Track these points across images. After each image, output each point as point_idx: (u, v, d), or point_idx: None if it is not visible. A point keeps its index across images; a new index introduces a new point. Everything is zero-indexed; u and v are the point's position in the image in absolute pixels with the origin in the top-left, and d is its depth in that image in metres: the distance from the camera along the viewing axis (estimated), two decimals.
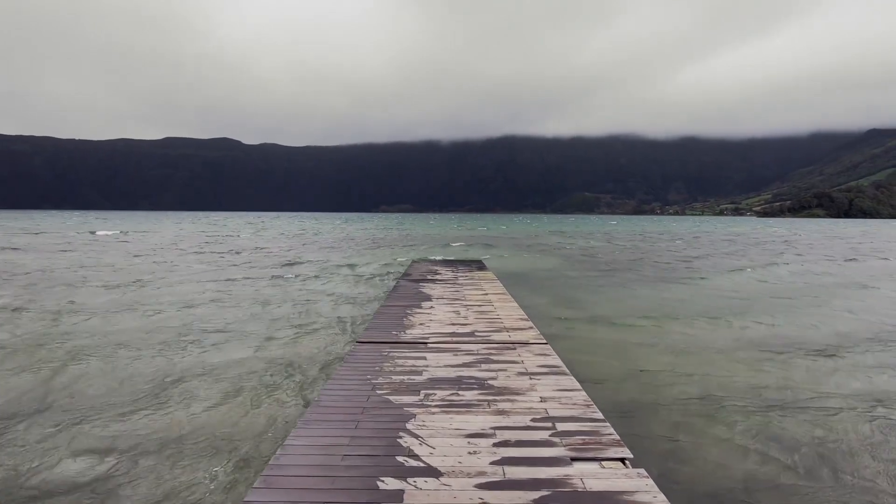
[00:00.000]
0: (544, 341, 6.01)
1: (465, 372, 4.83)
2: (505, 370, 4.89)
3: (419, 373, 4.80)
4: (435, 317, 7.45)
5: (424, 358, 5.29)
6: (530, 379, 4.62)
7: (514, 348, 5.69)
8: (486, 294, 9.57)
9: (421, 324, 6.97)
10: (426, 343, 5.92)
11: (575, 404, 4.01)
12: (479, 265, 15.51)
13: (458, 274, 12.86)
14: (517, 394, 4.24)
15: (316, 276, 16.87)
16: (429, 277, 12.07)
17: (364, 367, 4.94)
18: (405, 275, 12.78)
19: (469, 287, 10.52)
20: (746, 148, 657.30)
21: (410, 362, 5.13)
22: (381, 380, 4.59)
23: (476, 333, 6.39)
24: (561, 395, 4.21)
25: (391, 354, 5.42)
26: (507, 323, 7.02)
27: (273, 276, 16.77)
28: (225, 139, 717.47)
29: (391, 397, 4.16)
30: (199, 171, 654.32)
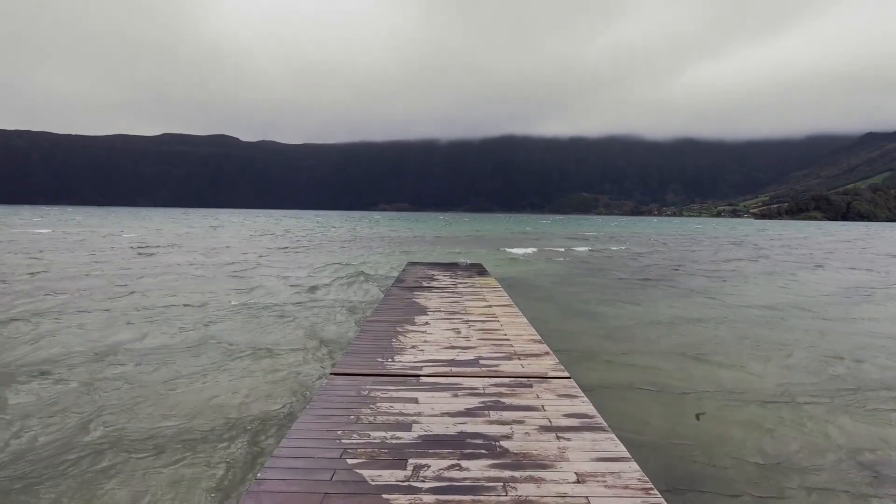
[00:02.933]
0: (566, 374, 4.80)
1: (469, 425, 3.62)
2: (522, 422, 3.68)
3: (407, 426, 3.59)
4: (430, 336, 6.24)
5: (416, 400, 4.08)
6: (558, 438, 3.41)
7: (530, 385, 4.49)
8: (490, 306, 8.36)
9: (413, 346, 5.76)
10: (418, 376, 4.70)
11: (628, 487, 2.81)
12: (480, 269, 14.31)
13: (458, 280, 11.65)
14: (542, 466, 3.04)
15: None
16: (424, 284, 10.85)
17: (335, 418, 3.73)
18: (398, 280, 11.56)
19: (470, 297, 9.32)
20: (743, 150, 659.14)
21: (397, 408, 3.92)
22: (354, 438, 3.37)
23: (481, 361, 5.18)
24: (604, 469, 3.01)
25: (373, 394, 4.21)
26: (517, 346, 5.82)
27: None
28: (223, 136, 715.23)
29: (366, 471, 2.95)
30: (196, 169, 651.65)
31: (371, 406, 3.95)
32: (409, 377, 4.67)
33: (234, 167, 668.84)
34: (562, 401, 4.11)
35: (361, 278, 16.26)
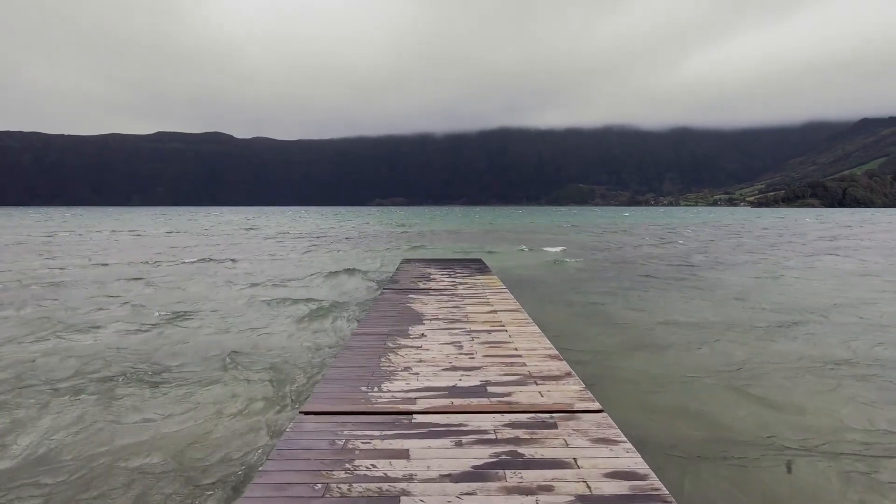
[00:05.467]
0: (598, 406, 3.80)
1: (479, 496, 2.63)
2: (550, 489, 2.69)
3: (394, 500, 2.60)
4: (427, 354, 5.24)
5: (406, 454, 3.08)
6: None
7: (555, 424, 3.50)
8: (495, 311, 7.36)
9: (406, 368, 4.76)
10: (411, 413, 3.71)
11: None
12: (480, 266, 13.32)
13: (457, 279, 10.65)
14: None
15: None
16: (421, 286, 9.85)
17: (295, 488, 2.72)
18: (392, 281, 10.55)
19: (471, 300, 8.32)
20: (739, 138, 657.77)
21: (381, 468, 2.92)
22: None
23: (489, 389, 4.19)
24: None
25: (350, 444, 3.21)
26: (531, 365, 4.82)
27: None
28: (217, 133, 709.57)
29: None
30: (191, 166, 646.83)
31: (347, 465, 2.95)
32: (399, 415, 3.68)
33: (229, 164, 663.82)
34: (599, 449, 3.13)
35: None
